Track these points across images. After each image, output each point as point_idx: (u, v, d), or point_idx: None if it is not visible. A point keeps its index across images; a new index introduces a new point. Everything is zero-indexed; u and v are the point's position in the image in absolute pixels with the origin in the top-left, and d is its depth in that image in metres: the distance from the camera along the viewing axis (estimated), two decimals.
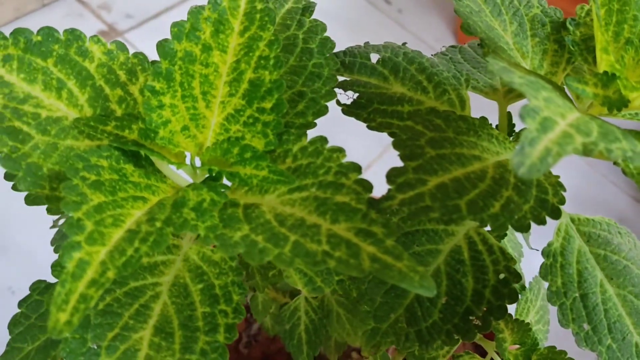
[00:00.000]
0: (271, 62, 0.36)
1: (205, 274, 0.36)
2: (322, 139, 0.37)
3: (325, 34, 0.43)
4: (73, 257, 0.28)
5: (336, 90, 0.44)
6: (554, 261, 0.39)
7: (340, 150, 0.36)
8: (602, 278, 0.41)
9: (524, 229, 0.35)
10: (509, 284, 0.40)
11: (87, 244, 0.29)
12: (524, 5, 0.42)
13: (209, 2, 0.36)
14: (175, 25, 0.35)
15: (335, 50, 0.42)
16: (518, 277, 0.40)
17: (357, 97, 0.43)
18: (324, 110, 0.40)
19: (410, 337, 0.39)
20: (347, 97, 0.44)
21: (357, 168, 0.35)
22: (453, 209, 0.34)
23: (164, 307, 0.35)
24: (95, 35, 0.37)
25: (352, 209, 0.33)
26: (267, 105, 0.36)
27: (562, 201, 0.37)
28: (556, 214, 0.36)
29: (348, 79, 0.45)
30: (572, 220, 0.42)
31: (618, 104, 0.34)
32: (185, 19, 0.36)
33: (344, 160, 0.36)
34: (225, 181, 0.36)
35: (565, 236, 0.41)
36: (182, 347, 0.34)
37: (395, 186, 0.35)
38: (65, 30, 0.37)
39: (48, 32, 0.36)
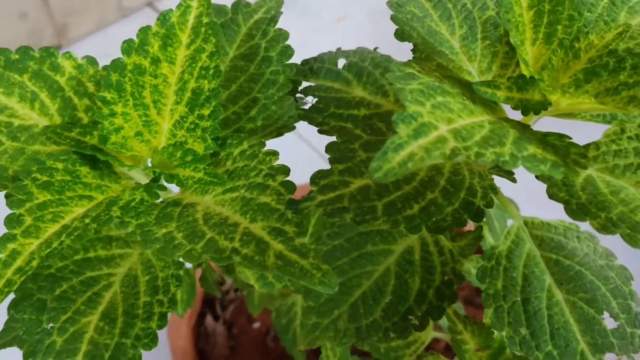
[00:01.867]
0: (211, 72, 0.39)
1: (153, 267, 0.40)
2: (261, 143, 0.39)
3: (287, 42, 0.45)
4: (7, 247, 0.33)
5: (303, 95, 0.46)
6: (496, 264, 0.39)
7: (274, 154, 0.38)
8: (551, 283, 0.40)
9: (440, 230, 0.35)
10: (452, 286, 0.41)
11: (22, 236, 0.33)
12: (478, 8, 0.42)
13: (157, 19, 0.39)
14: (125, 42, 0.39)
15: None
16: (461, 278, 0.41)
17: (316, 101, 0.45)
18: (272, 116, 0.42)
19: (349, 333, 0.41)
20: (311, 102, 0.46)
21: (285, 170, 0.37)
22: (368, 211, 0.35)
23: (114, 295, 0.39)
24: (67, 52, 0.42)
25: (271, 209, 0.35)
26: (206, 112, 0.39)
27: (490, 204, 0.37)
28: (479, 217, 0.36)
29: (314, 84, 0.47)
30: (526, 223, 0.41)
31: (537, 106, 0.34)
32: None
33: (276, 163, 0.38)
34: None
35: (514, 239, 0.41)
36: (121, 332, 0.37)
37: (317, 188, 0.37)
38: (41, 49, 0.42)
39: (24, 50, 0.41)
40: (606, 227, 0.31)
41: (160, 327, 0.37)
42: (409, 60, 0.35)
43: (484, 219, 0.41)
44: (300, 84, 0.47)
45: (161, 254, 0.33)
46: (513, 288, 0.39)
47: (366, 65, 0.46)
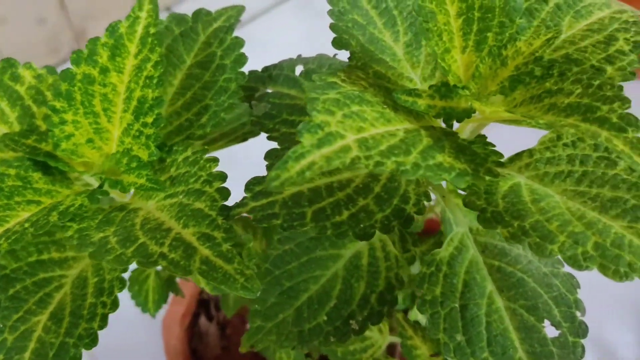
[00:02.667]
0: (155, 81, 0.40)
1: (102, 269, 0.41)
2: (203, 150, 0.40)
3: (241, 50, 0.46)
4: None
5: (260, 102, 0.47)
6: (436, 270, 0.39)
7: (214, 160, 0.39)
8: (493, 290, 0.40)
9: (366, 237, 0.36)
10: (393, 291, 0.41)
11: None
12: None
13: (106, 30, 0.41)
14: (74, 52, 0.40)
15: None
16: (402, 284, 0.41)
17: (270, 108, 0.46)
18: (221, 122, 0.43)
19: (291, 337, 0.41)
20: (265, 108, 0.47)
21: (222, 177, 0.38)
22: (297, 217, 0.36)
23: (64, 296, 0.41)
24: (28, 62, 0.44)
25: (204, 215, 0.36)
26: (149, 120, 0.40)
27: (421, 211, 0.37)
28: (407, 224, 0.36)
29: (271, 91, 0.48)
30: (471, 230, 0.41)
31: (462, 114, 0.34)
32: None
33: (215, 169, 0.39)
34: None
35: (458, 246, 0.41)
36: (66, 332, 0.39)
37: (251, 194, 0.37)
38: (2, 60, 0.43)
39: None
40: (515, 236, 0.31)
41: (101, 327, 0.39)
42: (337, 69, 0.35)
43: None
44: (258, 91, 0.47)
45: (92, 258, 0.35)
46: (452, 294, 0.39)
47: (323, 72, 0.47)
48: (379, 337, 0.49)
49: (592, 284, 0.46)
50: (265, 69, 0.49)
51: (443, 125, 0.36)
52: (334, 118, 0.30)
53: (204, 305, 0.84)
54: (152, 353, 0.83)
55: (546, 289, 0.40)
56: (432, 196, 0.42)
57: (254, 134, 0.50)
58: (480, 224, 0.32)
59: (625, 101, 0.30)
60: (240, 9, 0.48)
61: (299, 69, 0.48)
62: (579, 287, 0.41)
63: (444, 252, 0.40)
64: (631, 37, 0.37)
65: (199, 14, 0.48)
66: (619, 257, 0.30)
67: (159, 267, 0.54)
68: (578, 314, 0.40)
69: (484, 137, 0.39)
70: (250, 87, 0.47)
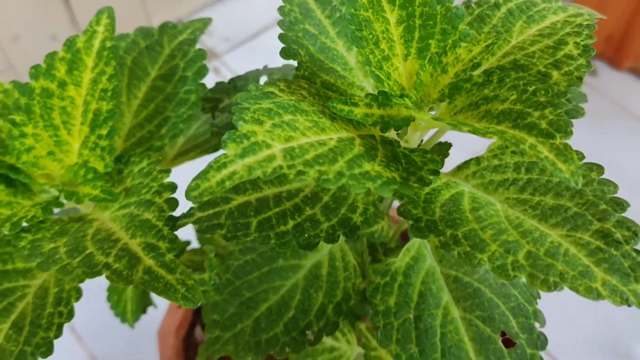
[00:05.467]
0: (109, 94, 0.41)
1: (63, 280, 0.42)
2: (158, 161, 0.40)
3: (203, 62, 0.46)
4: None
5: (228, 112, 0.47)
6: (390, 280, 0.39)
7: (166, 172, 0.40)
8: (449, 300, 0.39)
9: (310, 247, 0.35)
10: (349, 301, 0.41)
11: None
12: None
13: (64, 44, 0.42)
14: (33, 67, 0.41)
15: None
16: (359, 294, 0.41)
17: (231, 118, 0.46)
18: (178, 134, 0.43)
19: (247, 347, 0.41)
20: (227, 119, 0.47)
21: (172, 187, 0.38)
22: (242, 227, 0.36)
23: (26, 306, 0.41)
24: None
25: (151, 225, 0.37)
26: (104, 132, 0.41)
27: (368, 220, 0.37)
28: (352, 234, 0.36)
29: (229, 101, 0.48)
30: (429, 239, 0.41)
31: (401, 123, 0.34)
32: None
33: (166, 180, 0.39)
34: None
35: (414, 255, 0.40)
36: (25, 340, 0.39)
37: (198, 205, 0.38)
38: None
39: None
40: (446, 245, 0.31)
41: (57, 336, 0.39)
42: (277, 79, 0.35)
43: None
44: (221, 102, 0.48)
45: (40, 269, 0.35)
46: (406, 305, 0.39)
47: None
48: (347, 348, 0.48)
49: None
50: (231, 80, 0.49)
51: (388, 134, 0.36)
52: (262, 128, 0.30)
53: (199, 315, 0.84)
54: None
55: (504, 300, 0.39)
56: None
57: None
58: (411, 234, 0.32)
59: (558, 106, 0.30)
60: (206, 21, 0.49)
61: (263, 80, 0.48)
62: (539, 298, 0.40)
63: (399, 262, 0.40)
64: (582, 40, 0.36)
65: (165, 27, 0.48)
66: (551, 266, 0.29)
67: None
68: (537, 325, 0.39)
69: (442, 144, 0.39)
70: (215, 98, 0.48)
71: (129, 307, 0.55)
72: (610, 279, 0.29)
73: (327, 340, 0.49)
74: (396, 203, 0.57)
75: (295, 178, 0.28)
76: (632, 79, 1.36)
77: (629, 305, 0.28)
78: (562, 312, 0.97)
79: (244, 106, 0.31)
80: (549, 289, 0.29)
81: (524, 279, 0.40)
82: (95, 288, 0.65)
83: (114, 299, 0.55)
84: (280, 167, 0.29)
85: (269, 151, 0.30)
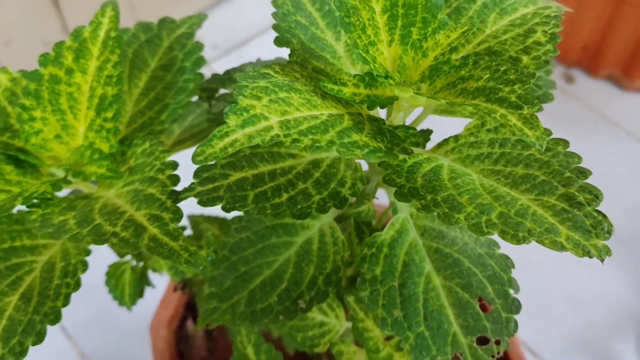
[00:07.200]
0: (114, 79, 0.44)
1: (69, 254, 0.44)
2: (159, 142, 0.43)
3: (200, 54, 0.49)
4: None
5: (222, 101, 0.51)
6: (377, 251, 0.42)
7: (168, 151, 0.42)
8: (430, 269, 0.42)
9: (303, 217, 0.38)
10: (338, 272, 0.44)
11: None
12: None
13: (71, 34, 0.44)
14: (42, 55, 0.44)
15: None
16: (347, 265, 0.44)
17: (232, 94, 0.49)
18: (178, 119, 0.46)
19: (243, 316, 0.44)
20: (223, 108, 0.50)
21: (174, 165, 0.41)
22: (239, 199, 0.39)
23: (34, 279, 0.44)
24: (4, 67, 0.48)
25: (155, 199, 0.40)
26: (109, 115, 0.43)
27: (355, 194, 0.40)
28: (341, 205, 0.39)
29: (225, 91, 0.51)
30: (412, 214, 0.44)
31: (385, 101, 0.37)
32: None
33: (168, 159, 0.42)
34: None
35: (399, 229, 0.43)
36: (34, 310, 0.42)
37: (199, 180, 0.41)
38: None
39: None
40: (427, 207, 0.34)
41: (64, 305, 0.42)
42: (273, 63, 0.38)
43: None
44: (217, 92, 0.51)
45: (51, 238, 0.38)
46: (391, 274, 0.42)
47: None
48: (337, 322, 0.51)
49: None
50: (227, 71, 0.52)
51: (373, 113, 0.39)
52: (259, 102, 0.34)
53: (191, 308, 0.87)
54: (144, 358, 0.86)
55: (481, 269, 0.42)
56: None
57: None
58: (395, 198, 0.35)
59: (526, 82, 0.33)
60: (202, 17, 0.52)
61: None
62: (514, 267, 0.43)
63: (385, 235, 0.43)
64: (549, 29, 0.40)
65: (164, 21, 0.52)
66: (520, 224, 0.33)
67: (128, 257, 0.57)
68: (511, 291, 0.42)
69: (424, 131, 0.42)
70: (211, 88, 0.51)
71: (126, 290, 0.57)
72: (574, 235, 0.32)
73: (317, 316, 0.52)
74: (381, 192, 0.61)
75: (291, 145, 0.31)
76: (608, 86, 1.41)
77: (590, 257, 0.32)
78: (544, 310, 1.00)
79: (243, 84, 0.35)
80: (518, 242, 0.32)
81: (500, 251, 0.43)
82: (85, 288, 0.67)
83: (112, 282, 0.58)
84: (277, 135, 0.32)
85: (267, 122, 0.33)
